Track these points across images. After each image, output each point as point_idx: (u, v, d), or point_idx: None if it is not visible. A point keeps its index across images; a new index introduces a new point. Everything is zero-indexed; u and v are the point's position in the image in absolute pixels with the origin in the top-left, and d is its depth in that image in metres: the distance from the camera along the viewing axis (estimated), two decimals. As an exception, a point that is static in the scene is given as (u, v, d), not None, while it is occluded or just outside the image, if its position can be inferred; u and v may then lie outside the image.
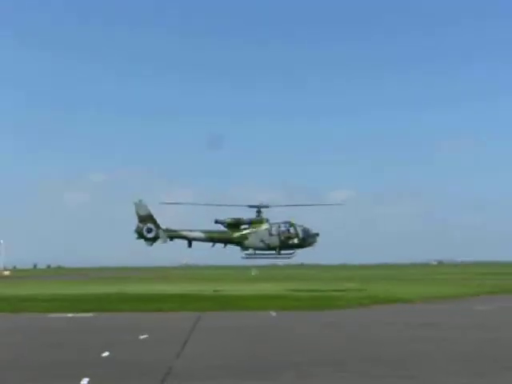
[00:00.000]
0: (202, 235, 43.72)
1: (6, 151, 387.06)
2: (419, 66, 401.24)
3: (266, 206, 43.73)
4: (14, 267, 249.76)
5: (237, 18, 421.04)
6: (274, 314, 33.50)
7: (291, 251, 44.88)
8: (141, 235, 43.48)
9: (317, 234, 46.00)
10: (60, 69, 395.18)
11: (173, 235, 44.38)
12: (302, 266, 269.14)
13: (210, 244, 44.73)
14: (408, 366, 16.88)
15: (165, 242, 43.86)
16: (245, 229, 44.26)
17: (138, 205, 43.26)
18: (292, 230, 44.18)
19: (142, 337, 23.24)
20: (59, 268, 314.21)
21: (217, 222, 43.66)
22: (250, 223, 43.90)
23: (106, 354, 19.04)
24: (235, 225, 43.59)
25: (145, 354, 19.16)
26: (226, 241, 43.71)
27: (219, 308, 36.55)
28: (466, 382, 14.63)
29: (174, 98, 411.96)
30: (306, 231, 45.27)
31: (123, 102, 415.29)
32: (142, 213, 43.09)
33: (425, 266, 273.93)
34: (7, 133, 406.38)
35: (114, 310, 35.18)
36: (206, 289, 61.80)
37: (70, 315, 33.13)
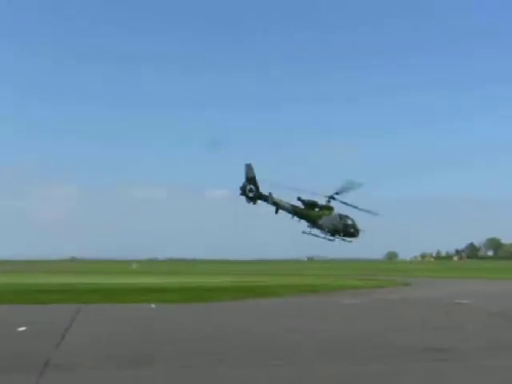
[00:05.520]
0: (289, 206, 49.73)
1: None
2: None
3: (334, 198, 50.22)
4: None
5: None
6: (153, 306, 34.03)
7: (351, 238, 51.31)
8: (244, 192, 48.89)
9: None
10: None
11: (267, 198, 49.51)
12: (182, 260, 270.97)
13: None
14: (286, 354, 17.75)
15: (272, 203, 49.25)
16: (317, 211, 51.00)
17: (248, 167, 48.95)
18: (350, 221, 50.60)
19: (20, 329, 23.01)
20: None
21: (299, 199, 49.91)
22: (322, 207, 50.66)
23: (-18, 346, 18.81)
24: (312, 205, 50.20)
25: (23, 347, 19.05)
26: (304, 216, 50.12)
27: (100, 300, 36.58)
28: (340, 369, 15.61)
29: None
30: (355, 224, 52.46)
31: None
32: (250, 175, 48.69)
33: (296, 261, 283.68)
34: None
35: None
36: (89, 281, 61.38)
37: None
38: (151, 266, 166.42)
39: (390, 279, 74.94)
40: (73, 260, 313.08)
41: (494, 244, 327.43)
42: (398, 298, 42.75)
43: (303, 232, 51.18)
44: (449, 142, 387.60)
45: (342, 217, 50.61)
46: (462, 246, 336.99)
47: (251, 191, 48.87)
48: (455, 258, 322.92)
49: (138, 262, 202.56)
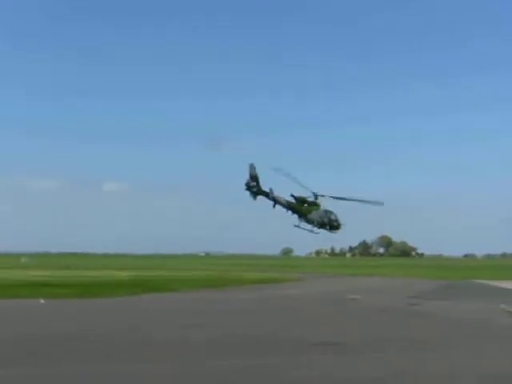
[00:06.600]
0: (284, 202, 54.48)
1: None
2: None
3: (323, 195, 55.60)
4: None
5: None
6: (42, 301, 32.92)
7: (334, 231, 56.59)
8: (248, 188, 53.27)
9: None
10: None
11: (265, 194, 53.74)
12: (74, 254, 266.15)
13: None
14: (179, 349, 17.75)
15: (272, 199, 53.66)
16: (306, 206, 55.85)
17: (251, 166, 53.47)
18: (333, 216, 55.92)
19: None
20: None
21: (291, 195, 54.74)
22: (310, 203, 55.65)
23: None
24: (303, 201, 55.16)
25: None
26: (296, 210, 55.15)
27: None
28: (235, 363, 15.67)
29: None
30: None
31: None
32: (253, 173, 53.15)
33: (194, 256, 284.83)
34: None
35: None
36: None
37: None
38: (43, 260, 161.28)
39: (285, 274, 76.10)
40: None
41: (385, 242, 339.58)
42: (292, 293, 43.41)
43: (295, 225, 56.41)
44: (349, 141, 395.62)
45: (327, 212, 56.72)
46: (355, 243, 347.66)
47: (253, 187, 54.05)
48: (348, 255, 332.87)
49: (29, 255, 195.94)
